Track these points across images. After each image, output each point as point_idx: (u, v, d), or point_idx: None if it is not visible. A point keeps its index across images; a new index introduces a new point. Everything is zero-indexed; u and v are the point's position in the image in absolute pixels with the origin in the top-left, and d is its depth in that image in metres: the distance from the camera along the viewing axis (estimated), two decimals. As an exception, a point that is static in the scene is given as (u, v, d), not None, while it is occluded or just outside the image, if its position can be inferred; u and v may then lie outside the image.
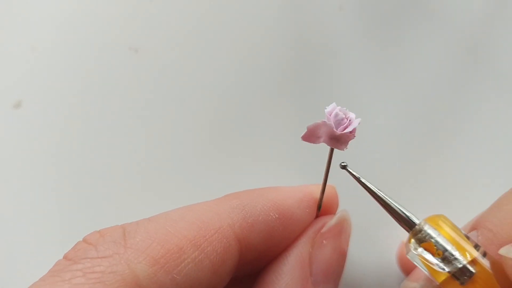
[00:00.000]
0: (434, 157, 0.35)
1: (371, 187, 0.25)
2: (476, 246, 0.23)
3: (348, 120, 0.24)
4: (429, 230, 0.23)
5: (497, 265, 0.22)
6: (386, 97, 0.36)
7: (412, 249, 0.23)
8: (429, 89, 0.36)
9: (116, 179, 0.36)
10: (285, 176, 0.35)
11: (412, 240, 0.24)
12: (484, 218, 0.24)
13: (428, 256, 0.23)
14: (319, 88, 0.37)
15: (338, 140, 0.24)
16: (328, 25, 0.38)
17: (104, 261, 0.21)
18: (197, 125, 0.36)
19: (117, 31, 0.39)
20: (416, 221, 0.24)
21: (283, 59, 0.37)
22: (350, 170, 0.25)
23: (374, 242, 0.33)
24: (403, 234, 0.32)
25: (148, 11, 0.39)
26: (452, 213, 0.33)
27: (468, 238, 0.23)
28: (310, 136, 0.24)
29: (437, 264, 0.23)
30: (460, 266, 0.22)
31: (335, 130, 0.24)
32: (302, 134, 0.24)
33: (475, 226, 0.24)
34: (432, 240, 0.23)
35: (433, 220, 0.24)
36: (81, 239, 0.23)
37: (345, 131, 0.24)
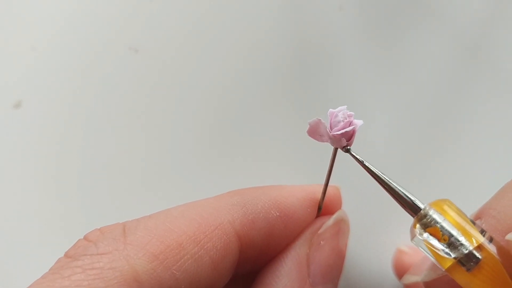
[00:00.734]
0: (436, 155, 0.35)
1: (375, 171, 0.24)
2: (482, 232, 0.22)
3: (347, 124, 0.24)
4: (434, 215, 0.23)
5: (504, 250, 0.22)
6: (386, 97, 0.36)
7: (417, 234, 0.23)
8: (429, 89, 0.36)
9: (116, 179, 0.36)
10: (287, 176, 0.35)
11: (418, 225, 0.23)
12: (488, 206, 0.24)
13: (434, 242, 0.22)
14: (319, 87, 0.37)
15: (336, 141, 0.24)
16: (328, 25, 0.38)
17: (104, 257, 0.21)
18: (197, 125, 0.36)
19: (117, 31, 0.39)
20: (421, 205, 0.23)
21: (283, 59, 0.38)
22: (354, 154, 0.25)
23: (371, 247, 0.33)
24: (400, 240, 0.32)
25: (148, 11, 0.39)
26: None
27: (473, 223, 0.23)
28: (313, 133, 0.24)
29: (442, 250, 0.22)
30: (466, 252, 0.22)
31: (328, 129, 0.24)
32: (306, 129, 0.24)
33: (479, 215, 0.24)
34: (438, 225, 0.22)
35: (438, 204, 0.23)
36: (82, 237, 0.24)
37: (336, 133, 0.24)
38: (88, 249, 0.21)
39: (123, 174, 0.36)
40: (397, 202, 0.24)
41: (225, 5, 0.39)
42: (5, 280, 0.34)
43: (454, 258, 0.22)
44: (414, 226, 0.23)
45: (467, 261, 0.22)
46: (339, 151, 0.25)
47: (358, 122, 0.24)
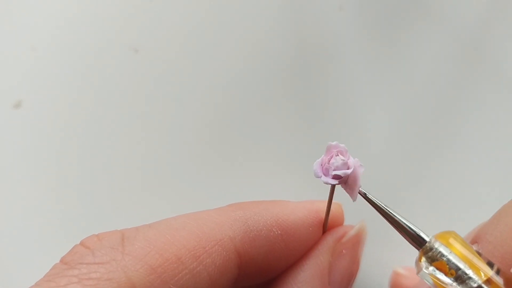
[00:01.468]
0: (436, 155, 0.35)
1: (378, 204, 0.24)
2: (489, 263, 0.22)
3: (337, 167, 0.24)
4: (440, 248, 0.22)
5: (511, 282, 0.22)
6: (386, 96, 0.36)
7: (423, 268, 0.22)
8: (429, 88, 0.36)
9: (116, 179, 0.36)
10: (287, 176, 0.35)
11: (423, 259, 0.23)
12: (484, 231, 0.23)
13: (441, 276, 0.22)
14: (319, 88, 0.37)
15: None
16: (328, 25, 0.38)
17: (101, 267, 0.20)
18: (197, 125, 0.36)
19: (117, 31, 0.39)
20: (426, 238, 0.23)
21: (283, 59, 0.37)
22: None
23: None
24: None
25: (148, 11, 0.39)
26: (456, 220, 0.34)
27: (480, 254, 0.22)
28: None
29: (450, 284, 0.22)
30: (475, 286, 0.21)
31: (318, 175, 0.24)
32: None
33: (476, 239, 0.23)
34: (444, 259, 0.22)
35: (443, 237, 0.23)
36: (79, 242, 0.23)
37: (326, 180, 0.23)
38: (85, 257, 0.21)
39: (123, 174, 0.36)
40: (401, 234, 0.24)
41: (225, 5, 0.39)
42: (2, 281, 0.34)
43: None
44: (419, 259, 0.23)
45: None
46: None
47: (352, 162, 0.24)
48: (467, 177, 0.34)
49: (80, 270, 0.20)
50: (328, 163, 0.23)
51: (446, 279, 0.22)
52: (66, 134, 0.37)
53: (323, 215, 0.27)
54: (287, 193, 0.35)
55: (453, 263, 0.22)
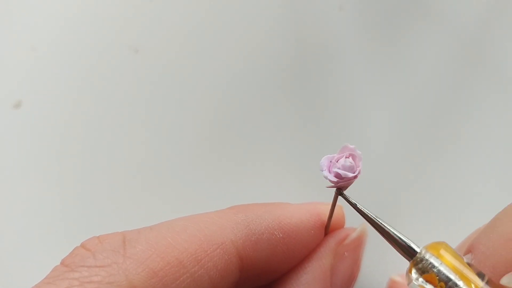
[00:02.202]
0: (436, 155, 0.35)
1: (368, 214, 0.24)
2: (480, 274, 0.22)
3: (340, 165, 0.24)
4: (431, 259, 0.22)
5: None
6: (386, 96, 0.36)
7: (413, 280, 0.22)
8: (429, 88, 0.36)
9: (116, 179, 0.36)
10: (287, 177, 0.35)
11: (413, 270, 0.22)
12: (478, 240, 0.23)
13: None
14: (319, 88, 0.37)
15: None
16: (328, 25, 0.38)
17: (102, 270, 0.20)
18: (197, 125, 0.36)
19: (118, 31, 0.39)
20: (417, 249, 0.23)
21: (283, 59, 0.37)
22: (346, 196, 0.24)
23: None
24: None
25: (148, 11, 0.39)
26: (456, 220, 0.34)
27: (470, 265, 0.22)
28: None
29: None
30: None
31: (322, 168, 0.24)
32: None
33: (470, 248, 0.23)
34: (435, 270, 0.22)
35: (434, 247, 0.23)
36: (79, 244, 0.23)
37: (326, 174, 0.23)
38: (86, 259, 0.21)
39: (123, 174, 0.36)
40: (392, 245, 0.23)
41: (225, 5, 0.39)
42: (4, 281, 0.34)
43: None
44: (409, 271, 0.23)
45: None
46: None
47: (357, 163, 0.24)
48: (467, 177, 0.34)
49: (81, 273, 0.20)
50: (336, 162, 0.24)
51: None
52: (66, 134, 0.37)
53: (325, 217, 0.27)
54: (288, 194, 0.35)
55: (443, 274, 0.22)
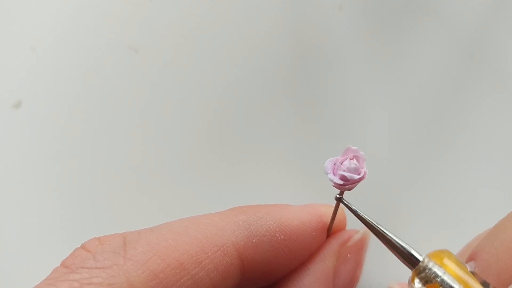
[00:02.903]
0: (436, 155, 0.35)
1: (369, 221, 0.24)
2: (484, 284, 0.21)
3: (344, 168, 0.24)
4: (434, 268, 0.22)
5: None
6: (386, 96, 0.36)
7: None
8: (429, 88, 0.36)
9: (116, 180, 0.36)
10: (287, 178, 0.35)
11: (416, 280, 0.22)
12: (481, 248, 0.23)
13: None
14: (319, 88, 0.37)
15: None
16: (328, 25, 0.38)
17: (102, 272, 0.20)
18: (197, 125, 0.36)
19: (117, 31, 0.38)
20: (419, 258, 0.22)
21: (283, 59, 0.37)
22: (346, 202, 0.24)
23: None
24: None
25: (148, 11, 0.39)
26: (457, 222, 0.33)
27: (474, 274, 0.22)
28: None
29: None
30: None
31: (327, 171, 0.24)
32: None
33: (472, 256, 0.23)
34: (438, 280, 0.21)
35: (437, 256, 0.22)
36: (80, 245, 0.23)
37: (332, 178, 0.23)
38: (86, 261, 0.21)
39: (123, 175, 0.36)
40: (393, 252, 0.23)
41: (225, 5, 0.39)
42: (5, 282, 0.34)
43: None
44: (412, 280, 0.22)
45: None
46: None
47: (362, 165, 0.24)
48: (467, 177, 0.35)
49: (82, 275, 0.20)
50: (341, 164, 0.24)
51: None
52: (66, 134, 0.37)
53: (326, 219, 0.27)
54: (289, 195, 0.35)
55: (447, 284, 0.21)
